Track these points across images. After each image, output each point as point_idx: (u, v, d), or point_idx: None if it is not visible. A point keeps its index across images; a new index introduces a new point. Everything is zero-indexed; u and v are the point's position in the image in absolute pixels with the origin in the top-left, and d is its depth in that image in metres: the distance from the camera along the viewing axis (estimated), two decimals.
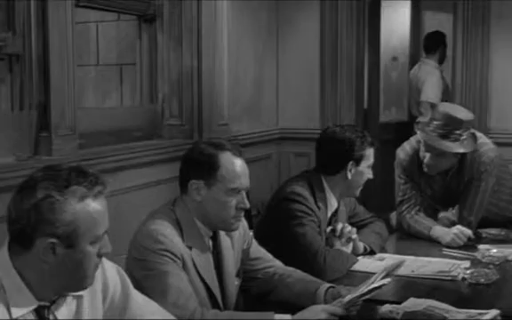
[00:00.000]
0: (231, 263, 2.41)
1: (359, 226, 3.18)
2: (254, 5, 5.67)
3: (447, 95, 5.83)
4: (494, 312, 2.26)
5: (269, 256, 2.58)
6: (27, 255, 1.65)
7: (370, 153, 3.00)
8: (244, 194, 2.30)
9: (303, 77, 6.08)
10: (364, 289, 2.21)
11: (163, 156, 4.58)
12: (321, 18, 6.02)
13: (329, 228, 2.98)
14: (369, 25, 6.18)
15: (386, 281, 2.26)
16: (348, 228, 2.96)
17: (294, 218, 2.83)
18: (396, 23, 6.38)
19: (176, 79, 4.89)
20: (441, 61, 6.07)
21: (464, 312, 2.28)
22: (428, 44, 6.12)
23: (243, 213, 2.33)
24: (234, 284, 2.41)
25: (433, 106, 5.54)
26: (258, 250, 2.56)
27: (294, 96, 6.12)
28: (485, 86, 5.72)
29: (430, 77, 5.89)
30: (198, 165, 2.27)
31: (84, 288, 1.75)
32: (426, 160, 3.33)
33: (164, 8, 4.84)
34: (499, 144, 5.60)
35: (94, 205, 1.68)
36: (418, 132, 3.37)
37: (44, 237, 1.63)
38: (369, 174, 3.02)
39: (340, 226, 2.95)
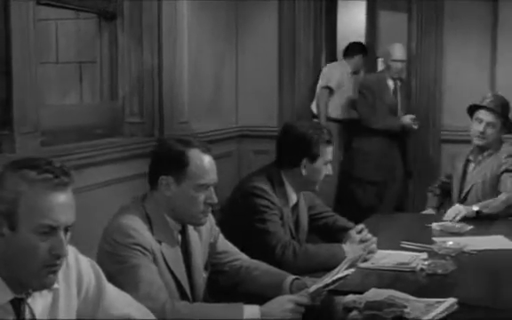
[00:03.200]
0: (199, 257, 2.47)
1: (317, 218, 3.27)
2: (214, 5, 5.74)
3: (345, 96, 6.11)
4: (452, 300, 2.36)
5: (235, 249, 2.64)
6: None
7: (327, 150, 3.05)
8: (212, 189, 2.36)
9: (262, 76, 6.18)
10: (328, 279, 2.29)
11: (124, 154, 4.61)
12: (279, 17, 6.14)
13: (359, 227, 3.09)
14: (326, 24, 6.31)
15: (349, 271, 2.35)
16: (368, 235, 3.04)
17: (257, 212, 2.90)
18: (353, 22, 6.49)
19: (136, 77, 4.92)
20: (355, 70, 6.30)
21: (423, 301, 2.37)
22: (346, 49, 6.35)
23: (211, 208, 2.39)
24: (202, 276, 2.47)
25: (331, 92, 6.02)
26: (224, 244, 2.62)
27: (253, 94, 6.21)
28: (439, 84, 5.91)
29: (335, 71, 6.13)
30: (168, 162, 2.32)
31: (34, 287, 1.73)
32: None
33: (125, 6, 4.87)
34: (452, 141, 5.84)
35: (42, 193, 1.67)
36: None
37: None
38: (327, 171, 3.08)
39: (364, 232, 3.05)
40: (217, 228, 2.61)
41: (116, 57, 4.93)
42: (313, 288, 2.27)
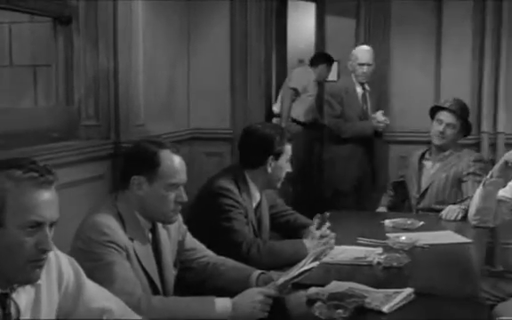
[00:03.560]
0: (169, 254, 2.56)
1: (279, 216, 3.40)
2: (167, 8, 5.80)
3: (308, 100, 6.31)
4: (409, 290, 2.52)
5: (203, 247, 2.74)
6: None
7: (288, 148, 3.22)
8: (182, 188, 2.46)
9: (214, 78, 6.27)
10: (295, 272, 2.42)
11: (80, 157, 4.63)
12: (231, 21, 6.23)
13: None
14: (276, 28, 6.43)
15: (315, 264, 2.49)
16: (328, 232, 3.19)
17: (223, 211, 3.02)
18: (302, 26, 6.64)
19: (92, 80, 4.94)
20: (319, 79, 6.50)
21: (382, 291, 2.53)
22: (312, 58, 6.56)
23: (180, 206, 2.48)
24: (172, 273, 2.56)
25: (297, 94, 6.22)
26: (192, 241, 2.72)
27: (205, 97, 6.29)
28: (387, 88, 6.08)
29: (302, 75, 6.35)
30: (140, 162, 2.42)
31: (22, 282, 1.81)
32: None
33: (80, 9, 4.88)
34: (400, 142, 6.05)
35: (28, 190, 1.75)
36: None
37: None
38: (287, 168, 3.24)
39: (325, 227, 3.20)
40: (184, 227, 2.70)
41: (72, 60, 4.93)
42: (280, 280, 2.39)
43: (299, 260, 2.71)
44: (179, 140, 5.95)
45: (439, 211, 4.10)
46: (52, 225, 1.80)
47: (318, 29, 7.50)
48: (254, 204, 3.21)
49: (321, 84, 6.49)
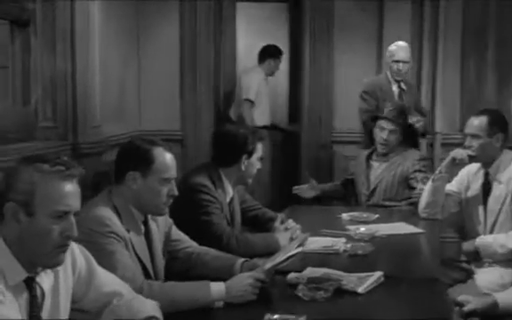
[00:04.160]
0: (159, 244, 2.74)
1: (248, 211, 3.65)
2: (118, 11, 5.92)
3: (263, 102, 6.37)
4: (379, 273, 2.77)
5: (187, 238, 2.94)
6: (2, 224, 1.90)
7: (260, 147, 3.47)
8: (173, 182, 2.65)
9: (164, 81, 6.44)
10: (282, 257, 2.64)
11: None
12: (180, 23, 6.41)
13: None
14: (225, 31, 6.62)
15: (299, 249, 2.72)
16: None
17: (201, 206, 3.24)
18: (252, 28, 6.82)
19: (49, 81, 5.02)
20: (269, 73, 6.46)
21: (354, 275, 2.77)
22: (259, 54, 6.51)
23: (171, 200, 2.67)
24: (162, 262, 2.74)
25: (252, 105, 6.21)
26: (177, 233, 2.91)
27: (156, 99, 6.45)
28: (330, 90, 6.38)
29: (251, 80, 6.29)
30: (135, 159, 2.60)
31: (49, 266, 1.98)
32: None
33: (38, 13, 4.95)
34: (343, 143, 6.35)
35: (56, 183, 1.92)
36: None
37: (8, 202, 1.88)
38: (258, 165, 3.49)
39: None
40: (170, 220, 2.88)
41: (29, 62, 5.00)
42: (268, 265, 2.61)
43: (270, 252, 3.04)
44: None
45: (387, 206, 4.41)
46: (75, 214, 1.96)
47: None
48: (228, 200, 3.43)
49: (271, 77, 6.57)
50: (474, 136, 3.73)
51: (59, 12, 4.96)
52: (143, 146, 2.61)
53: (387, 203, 4.45)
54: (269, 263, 2.65)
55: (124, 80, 6.18)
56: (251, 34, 6.72)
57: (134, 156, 2.61)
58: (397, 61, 5.36)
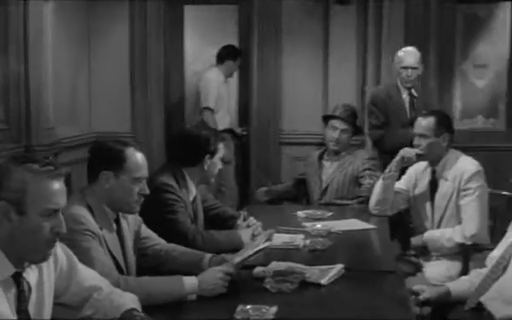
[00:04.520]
0: (130, 242, 2.83)
1: (210, 209, 3.77)
2: (69, 13, 5.95)
3: (225, 104, 6.41)
4: (339, 266, 2.93)
5: (155, 235, 3.03)
6: None
7: (221, 147, 3.59)
8: (144, 182, 2.75)
9: (115, 82, 6.50)
10: (250, 252, 2.77)
11: None
12: (130, 27, 6.48)
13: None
14: (174, 34, 6.70)
15: (267, 244, 2.86)
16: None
17: (167, 205, 3.35)
18: (200, 31, 6.90)
19: (2, 85, 5.02)
20: (228, 75, 6.44)
21: (316, 268, 2.92)
22: (217, 55, 6.50)
23: (142, 198, 2.76)
24: (133, 259, 2.83)
25: (212, 112, 6.17)
26: (146, 230, 3.00)
27: (106, 100, 6.50)
28: (278, 92, 6.53)
29: (209, 86, 6.25)
30: (108, 159, 2.69)
31: (37, 261, 2.06)
32: None
33: None
34: (289, 144, 6.51)
35: (46, 182, 1.99)
36: None
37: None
38: (220, 165, 3.61)
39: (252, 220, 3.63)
40: (139, 218, 2.97)
41: None
42: (237, 259, 2.74)
43: (234, 248, 3.18)
44: (81, 144, 6.10)
45: (339, 205, 4.59)
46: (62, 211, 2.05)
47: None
48: (191, 198, 3.53)
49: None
50: (422, 135, 3.94)
51: (12, 13, 4.97)
52: (115, 146, 2.71)
53: (338, 201, 4.63)
54: (239, 257, 2.78)
55: (76, 82, 6.20)
56: (199, 36, 6.80)
57: (107, 157, 2.69)
58: (406, 68, 5.17)
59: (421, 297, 2.89)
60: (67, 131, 5.78)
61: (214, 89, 6.20)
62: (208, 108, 6.18)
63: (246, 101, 6.73)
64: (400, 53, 5.25)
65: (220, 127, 6.14)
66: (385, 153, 4.88)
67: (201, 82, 6.35)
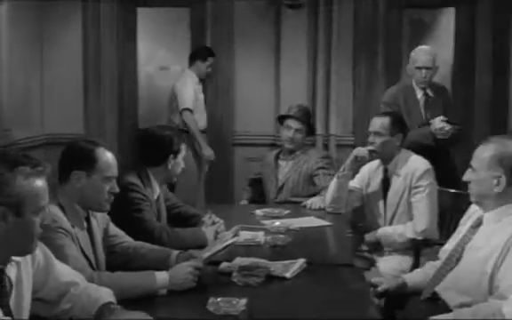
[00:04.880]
0: (99, 239, 2.90)
1: (172, 208, 3.86)
2: (23, 15, 5.94)
3: (201, 106, 6.36)
4: (302, 260, 3.06)
5: (123, 233, 3.10)
6: None
7: (183, 147, 3.69)
8: (114, 181, 2.82)
9: (68, 84, 6.54)
10: (218, 247, 2.88)
11: None
12: (83, 29, 6.51)
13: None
14: (127, 36, 6.73)
15: (235, 239, 2.97)
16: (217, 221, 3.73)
17: (133, 204, 3.43)
18: (155, 33, 6.94)
19: None
20: (200, 76, 6.32)
21: (279, 262, 3.05)
22: (189, 57, 6.45)
23: (113, 197, 2.84)
24: (103, 256, 2.90)
25: (192, 113, 6.12)
26: (114, 228, 3.07)
27: (59, 102, 6.51)
28: (231, 95, 6.64)
29: (185, 88, 6.18)
30: (80, 159, 2.75)
31: (29, 253, 2.18)
32: None
33: None
34: (242, 145, 6.63)
35: (37, 182, 2.09)
36: None
37: None
38: (182, 164, 3.70)
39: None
40: (107, 216, 3.04)
41: None
42: (206, 255, 2.84)
43: (199, 245, 3.31)
44: (34, 146, 6.10)
45: (295, 202, 4.73)
46: None
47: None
48: (155, 197, 3.61)
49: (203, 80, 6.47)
50: (377, 133, 4.11)
51: None
52: (86, 146, 2.78)
53: (294, 199, 4.78)
54: (207, 252, 2.88)
55: (29, 83, 6.20)
56: (152, 39, 6.85)
57: (79, 157, 2.76)
58: (419, 68, 5.06)
59: (380, 288, 3.04)
60: (20, 132, 5.77)
61: (190, 90, 6.15)
62: (187, 109, 6.11)
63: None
64: (413, 53, 5.16)
65: (201, 127, 6.22)
66: None
67: (177, 83, 6.25)
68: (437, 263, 3.12)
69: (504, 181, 2.79)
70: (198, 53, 6.35)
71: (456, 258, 2.95)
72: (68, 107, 6.52)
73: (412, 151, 4.19)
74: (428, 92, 5.13)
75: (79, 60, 6.52)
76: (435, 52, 5.15)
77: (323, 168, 4.82)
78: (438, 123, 4.83)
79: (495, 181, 2.80)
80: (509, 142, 2.87)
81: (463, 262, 2.90)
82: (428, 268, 3.17)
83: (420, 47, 5.22)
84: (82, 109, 6.56)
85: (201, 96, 6.33)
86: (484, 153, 2.84)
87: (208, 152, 6.15)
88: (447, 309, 2.82)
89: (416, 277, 3.16)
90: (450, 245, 3.13)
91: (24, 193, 2.04)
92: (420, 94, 5.12)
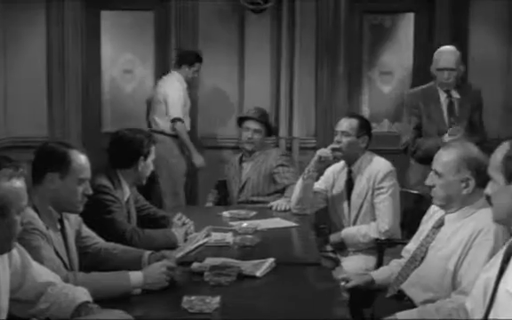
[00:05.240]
0: (72, 241, 2.94)
1: (142, 210, 3.92)
2: None
3: (187, 111, 6.24)
4: (271, 259, 3.14)
5: (95, 234, 3.14)
6: None
7: (153, 149, 3.73)
8: (87, 182, 2.87)
9: (31, 87, 6.49)
10: (191, 247, 2.94)
11: None
12: (47, 32, 6.48)
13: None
14: (91, 39, 6.73)
15: (207, 239, 3.03)
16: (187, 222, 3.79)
17: (104, 206, 3.47)
18: (117, 36, 6.94)
19: None
20: (187, 80, 6.21)
21: (249, 262, 3.12)
22: (176, 58, 6.33)
23: (86, 198, 2.88)
24: (76, 258, 2.94)
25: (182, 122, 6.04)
26: (86, 230, 3.11)
27: (23, 105, 6.46)
28: (195, 98, 6.66)
29: (176, 95, 6.04)
30: (54, 161, 2.79)
31: (8, 251, 2.24)
32: None
33: None
34: (206, 147, 6.67)
35: (19, 183, 2.17)
36: None
37: None
38: (152, 167, 3.75)
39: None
40: (79, 218, 3.08)
41: None
42: (179, 255, 2.91)
43: (170, 246, 3.36)
44: (2, 148, 6.06)
45: (256, 202, 4.83)
46: None
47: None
48: (125, 199, 3.66)
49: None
50: (344, 133, 4.22)
51: None
52: (60, 148, 2.82)
53: (255, 198, 4.90)
54: (180, 252, 2.94)
55: None
56: (116, 42, 6.85)
57: (52, 159, 2.80)
58: (441, 69, 4.77)
59: (349, 284, 3.14)
60: None
61: (181, 97, 6.00)
62: (178, 119, 5.97)
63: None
64: (436, 54, 4.87)
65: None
66: (420, 161, 4.73)
67: (167, 89, 6.09)
68: (402, 261, 3.24)
69: (473, 183, 2.91)
70: (185, 57, 6.21)
71: (420, 257, 3.06)
72: (33, 110, 6.49)
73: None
74: (453, 94, 4.83)
75: (43, 63, 6.50)
76: (458, 53, 4.84)
77: (282, 165, 4.94)
78: (447, 137, 4.50)
79: (463, 184, 2.93)
80: (470, 145, 3.01)
81: (427, 261, 3.02)
82: (394, 266, 3.28)
83: (442, 48, 4.92)
84: (46, 112, 6.54)
85: (188, 102, 6.21)
86: (449, 157, 2.96)
87: (198, 160, 6.10)
88: (413, 306, 2.93)
89: (382, 274, 3.28)
90: (413, 244, 3.25)
91: (8, 194, 2.10)
92: (443, 97, 4.83)
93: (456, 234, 2.93)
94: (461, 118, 4.76)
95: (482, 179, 2.74)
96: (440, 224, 3.08)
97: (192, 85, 6.31)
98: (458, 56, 4.81)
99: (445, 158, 2.97)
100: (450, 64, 4.77)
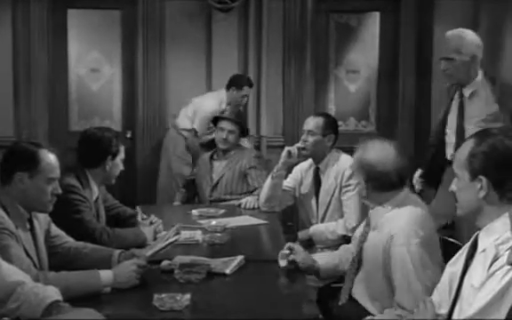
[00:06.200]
0: (42, 240, 2.93)
1: (111, 209, 3.92)
2: None
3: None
4: (240, 257, 3.18)
5: (64, 234, 3.14)
6: None
7: (122, 149, 3.74)
8: (57, 182, 2.87)
9: None
10: (161, 245, 2.96)
11: None
12: (13, 31, 6.43)
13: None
14: (58, 38, 6.69)
15: (177, 237, 3.06)
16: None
17: (72, 206, 3.47)
18: (85, 37, 6.91)
19: None
20: (233, 103, 6.12)
21: (218, 260, 3.15)
22: (229, 80, 6.28)
23: (55, 198, 2.88)
24: (45, 257, 2.93)
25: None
26: (55, 229, 3.10)
27: None
28: (163, 97, 6.69)
29: (208, 117, 5.89)
30: (23, 160, 2.78)
31: None
32: None
33: None
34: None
35: None
36: None
37: None
38: (121, 166, 3.75)
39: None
40: (48, 217, 3.07)
41: None
42: (149, 253, 2.92)
43: (139, 245, 3.39)
44: None
45: (229, 200, 4.85)
46: None
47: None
48: (94, 198, 3.65)
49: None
50: (310, 132, 4.28)
51: None
52: (29, 148, 2.82)
53: (228, 197, 4.91)
54: (150, 250, 2.96)
55: None
56: (83, 40, 6.80)
57: (21, 158, 2.80)
58: (440, 59, 4.10)
59: (291, 257, 3.16)
60: None
61: (209, 120, 5.76)
62: (195, 133, 6.12)
63: (131, 106, 6.80)
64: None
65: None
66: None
67: (205, 102, 6.21)
68: (350, 246, 3.28)
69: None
70: (235, 80, 6.18)
71: (358, 259, 3.11)
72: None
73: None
74: (465, 91, 4.05)
75: (9, 62, 6.44)
76: (463, 37, 3.98)
77: (254, 167, 4.97)
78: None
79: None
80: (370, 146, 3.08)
81: (364, 265, 3.07)
82: (343, 251, 3.34)
83: (447, 32, 4.12)
84: (12, 112, 6.48)
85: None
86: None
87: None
88: None
89: (329, 266, 3.30)
90: (352, 244, 3.32)
91: None
92: (457, 94, 4.10)
93: (376, 238, 2.99)
94: (474, 118, 3.97)
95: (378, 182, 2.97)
96: (368, 223, 3.13)
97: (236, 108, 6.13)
98: (459, 42, 3.97)
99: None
100: (446, 52, 4.05)
